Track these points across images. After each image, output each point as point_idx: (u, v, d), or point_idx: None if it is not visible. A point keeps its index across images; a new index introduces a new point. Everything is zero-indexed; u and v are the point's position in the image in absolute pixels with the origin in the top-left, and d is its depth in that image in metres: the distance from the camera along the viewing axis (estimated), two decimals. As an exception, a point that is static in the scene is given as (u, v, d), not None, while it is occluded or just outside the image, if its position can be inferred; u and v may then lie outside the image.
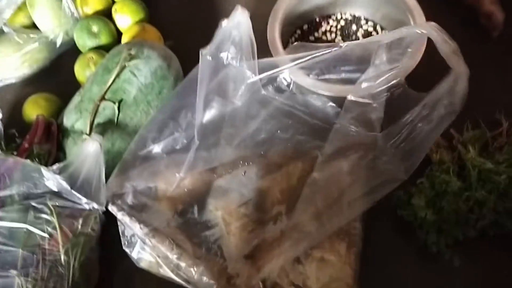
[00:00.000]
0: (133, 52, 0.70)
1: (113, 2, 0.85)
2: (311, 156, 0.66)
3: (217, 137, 0.66)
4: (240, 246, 0.59)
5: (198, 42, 0.84)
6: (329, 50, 0.60)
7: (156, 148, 0.66)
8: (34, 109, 0.75)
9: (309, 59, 0.61)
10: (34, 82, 0.83)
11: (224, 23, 0.64)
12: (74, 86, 0.79)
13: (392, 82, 0.63)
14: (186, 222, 0.61)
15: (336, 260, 0.60)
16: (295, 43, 0.66)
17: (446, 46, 0.58)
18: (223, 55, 0.64)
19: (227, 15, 0.66)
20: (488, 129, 0.72)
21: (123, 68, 0.70)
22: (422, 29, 0.58)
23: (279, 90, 0.69)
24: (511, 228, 0.65)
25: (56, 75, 0.84)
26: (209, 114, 0.66)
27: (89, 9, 0.84)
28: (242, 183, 0.63)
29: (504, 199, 0.64)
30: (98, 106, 0.69)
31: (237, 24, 0.63)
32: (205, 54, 0.65)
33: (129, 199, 0.64)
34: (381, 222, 0.69)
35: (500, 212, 0.65)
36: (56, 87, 0.81)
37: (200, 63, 0.65)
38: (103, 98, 0.70)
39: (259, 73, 0.64)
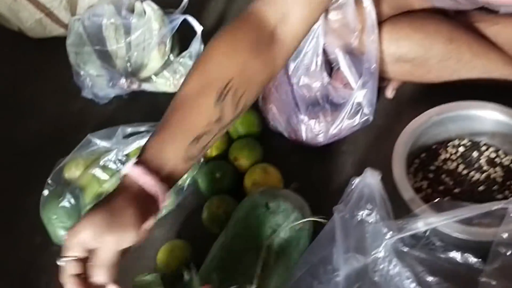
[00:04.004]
0: (270, 206, 0.73)
1: (231, 142, 0.91)
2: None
3: (358, 293, 0.67)
4: None
5: (316, 184, 0.87)
6: (479, 212, 0.61)
7: (299, 308, 0.68)
8: (169, 256, 0.79)
9: (454, 220, 0.62)
10: (164, 224, 0.87)
11: (355, 182, 0.67)
12: (199, 229, 0.84)
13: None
14: None
15: None
16: (437, 200, 0.67)
17: None
18: (359, 213, 0.66)
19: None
20: None
21: (263, 224, 0.71)
22: None
23: (414, 236, 0.69)
24: None
25: (182, 216, 0.88)
26: (348, 270, 0.67)
27: (211, 151, 0.89)
28: None
29: None
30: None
31: (368, 184, 0.66)
32: (340, 211, 0.68)
33: None
34: None
35: None
36: (183, 229, 0.86)
37: (335, 221, 0.67)
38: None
39: (398, 230, 0.65)
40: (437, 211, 0.68)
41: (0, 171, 1.02)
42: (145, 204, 0.57)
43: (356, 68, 0.79)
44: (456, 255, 0.66)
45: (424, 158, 0.82)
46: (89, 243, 0.54)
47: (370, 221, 0.68)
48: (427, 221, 0.66)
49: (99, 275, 0.55)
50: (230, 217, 0.77)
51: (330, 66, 0.84)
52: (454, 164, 0.81)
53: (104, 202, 0.56)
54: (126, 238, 0.55)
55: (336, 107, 0.82)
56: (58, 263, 0.57)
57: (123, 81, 0.97)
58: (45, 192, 0.87)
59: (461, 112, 0.80)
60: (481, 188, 0.77)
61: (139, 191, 0.57)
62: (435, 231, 0.69)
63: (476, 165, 0.80)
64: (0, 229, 0.94)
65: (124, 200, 0.56)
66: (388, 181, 0.73)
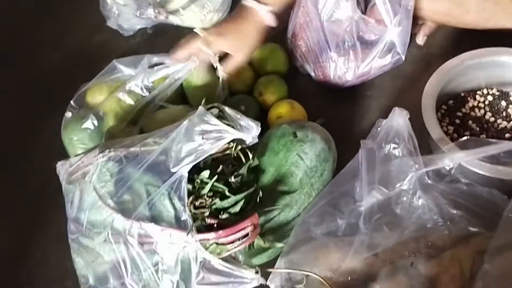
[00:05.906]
0: (298, 135, 0.73)
1: (257, 78, 0.90)
2: (476, 241, 0.65)
3: (379, 224, 0.67)
4: None
5: (340, 126, 0.85)
6: (507, 148, 0.61)
7: (319, 234, 0.68)
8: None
9: (481, 156, 0.62)
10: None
11: (382, 123, 0.68)
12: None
13: None
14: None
15: None
16: (465, 138, 0.67)
17: None
18: (386, 147, 0.67)
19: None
20: None
21: (290, 151, 0.72)
22: None
23: (439, 174, 0.69)
24: None
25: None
26: (371, 202, 0.67)
27: (236, 85, 0.88)
28: (411, 274, 0.62)
29: None
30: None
31: (396, 122, 0.67)
32: (367, 145, 0.68)
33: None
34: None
35: None
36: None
37: (361, 153, 0.68)
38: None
39: (425, 164, 0.65)
40: (464, 149, 0.68)
41: (20, 99, 1.03)
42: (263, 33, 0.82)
43: (392, 5, 0.77)
44: (481, 191, 0.66)
45: (452, 104, 0.82)
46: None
47: (396, 155, 0.68)
48: (454, 157, 0.66)
49: None
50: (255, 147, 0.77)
51: (364, 3, 0.83)
52: (482, 111, 0.80)
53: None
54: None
55: (367, 45, 0.81)
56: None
57: (150, 10, 0.95)
58: (68, 114, 0.87)
59: (493, 58, 0.78)
60: (507, 135, 0.77)
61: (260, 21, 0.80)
62: (461, 168, 0.68)
63: (503, 114, 0.80)
64: (17, 156, 0.95)
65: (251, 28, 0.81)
66: (414, 127, 0.71)
